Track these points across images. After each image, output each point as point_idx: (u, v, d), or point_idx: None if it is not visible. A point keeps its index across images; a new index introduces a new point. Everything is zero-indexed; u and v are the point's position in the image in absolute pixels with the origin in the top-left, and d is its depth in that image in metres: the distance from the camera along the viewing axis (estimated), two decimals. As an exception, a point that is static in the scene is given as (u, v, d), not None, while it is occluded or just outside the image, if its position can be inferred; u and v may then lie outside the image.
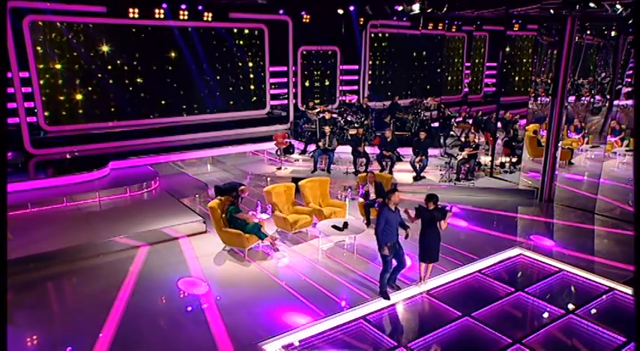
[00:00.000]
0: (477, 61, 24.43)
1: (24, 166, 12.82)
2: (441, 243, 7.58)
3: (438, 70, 22.92)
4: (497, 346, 6.21)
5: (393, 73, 21.64)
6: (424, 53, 22.32)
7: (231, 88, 17.67)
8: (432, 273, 7.85)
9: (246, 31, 17.54)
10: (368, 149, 13.72)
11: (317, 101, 19.29)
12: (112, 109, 15.37)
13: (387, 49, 21.16)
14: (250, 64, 17.92)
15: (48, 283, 8.00)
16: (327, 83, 19.95)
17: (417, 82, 22.24)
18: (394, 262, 7.40)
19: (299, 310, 7.08)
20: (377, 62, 21.02)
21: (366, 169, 12.96)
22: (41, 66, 13.84)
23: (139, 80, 15.70)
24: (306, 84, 19.38)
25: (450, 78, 23.65)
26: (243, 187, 9.75)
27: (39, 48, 13.71)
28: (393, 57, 21.42)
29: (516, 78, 24.58)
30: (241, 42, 17.53)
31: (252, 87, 18.14)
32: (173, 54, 16.12)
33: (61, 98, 14.39)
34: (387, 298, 7.23)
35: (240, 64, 17.67)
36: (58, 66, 14.17)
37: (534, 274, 8.29)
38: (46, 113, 14.14)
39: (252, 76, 18.04)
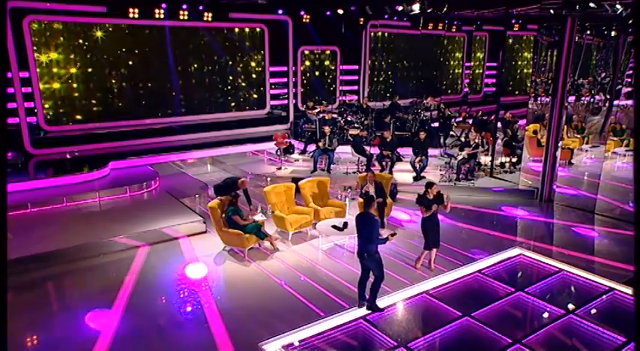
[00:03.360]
0: (477, 64, 24.46)
1: (24, 166, 12.81)
2: (442, 244, 7.71)
3: (435, 73, 22.93)
4: (497, 346, 6.20)
5: (393, 73, 21.68)
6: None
7: (231, 88, 17.67)
8: (433, 272, 7.92)
9: (247, 31, 17.54)
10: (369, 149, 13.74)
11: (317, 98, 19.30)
12: (112, 109, 15.36)
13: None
14: (253, 64, 17.93)
15: (48, 283, 8.00)
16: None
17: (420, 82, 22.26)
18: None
19: (299, 310, 7.08)
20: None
21: (367, 168, 12.95)
22: (41, 66, 13.86)
23: (139, 80, 15.70)
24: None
25: (451, 73, 23.68)
26: (242, 179, 9.75)
27: (39, 48, 13.72)
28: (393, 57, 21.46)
29: (516, 76, 24.59)
30: (241, 42, 17.52)
31: (252, 87, 18.15)
32: (173, 54, 16.10)
33: (61, 98, 14.41)
34: (381, 309, 6.96)
35: (240, 63, 17.66)
36: (58, 66, 14.18)
37: (534, 274, 8.29)
38: (46, 109, 14.14)
39: (252, 75, 18.04)
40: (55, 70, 14.14)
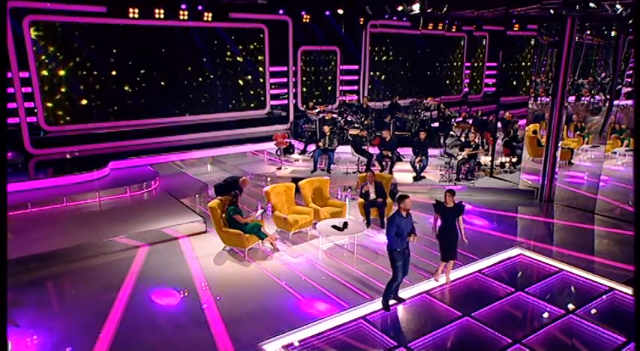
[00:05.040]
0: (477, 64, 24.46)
1: (24, 166, 12.81)
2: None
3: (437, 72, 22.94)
4: (497, 346, 6.21)
5: (393, 72, 21.69)
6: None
7: (231, 88, 17.67)
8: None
9: (246, 31, 17.54)
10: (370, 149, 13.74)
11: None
12: (112, 109, 15.36)
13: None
14: (252, 66, 17.93)
15: (48, 283, 8.00)
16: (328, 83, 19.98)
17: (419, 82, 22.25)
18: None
19: (299, 310, 7.08)
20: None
21: (367, 168, 12.95)
22: (42, 67, 13.85)
23: (139, 80, 15.70)
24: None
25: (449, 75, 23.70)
26: (244, 178, 9.74)
27: (39, 48, 13.72)
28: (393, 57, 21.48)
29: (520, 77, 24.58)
30: (241, 42, 17.52)
31: (251, 87, 18.15)
32: (173, 54, 16.09)
33: (61, 98, 14.40)
34: (388, 309, 7.02)
35: (240, 64, 17.66)
36: (59, 66, 14.18)
37: (534, 274, 8.29)
38: (45, 113, 14.15)
39: (251, 76, 18.04)
40: (54, 69, 14.15)
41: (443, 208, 7.57)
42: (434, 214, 7.75)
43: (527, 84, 24.24)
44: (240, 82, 17.82)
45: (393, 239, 6.88)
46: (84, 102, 14.78)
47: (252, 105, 18.22)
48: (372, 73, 20.89)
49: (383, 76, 21.40)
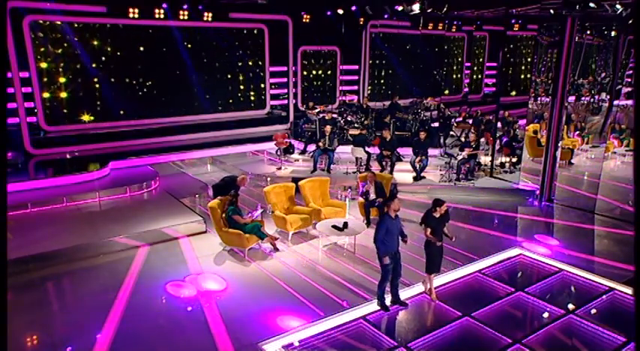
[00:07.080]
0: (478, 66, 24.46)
1: (24, 166, 12.82)
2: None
3: (436, 73, 22.91)
4: (497, 346, 6.21)
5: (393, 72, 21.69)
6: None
7: (230, 88, 17.66)
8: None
9: (246, 31, 17.54)
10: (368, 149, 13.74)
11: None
12: (113, 109, 15.35)
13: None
14: (250, 63, 17.91)
15: (48, 283, 8.00)
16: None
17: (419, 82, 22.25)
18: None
19: (299, 310, 7.08)
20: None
21: (367, 167, 12.96)
22: (42, 65, 13.87)
23: (139, 80, 15.70)
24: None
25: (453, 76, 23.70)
26: (242, 176, 9.72)
27: (39, 48, 13.72)
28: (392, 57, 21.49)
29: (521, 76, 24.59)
30: (241, 42, 17.51)
31: (251, 87, 18.14)
32: (173, 54, 16.10)
33: (62, 98, 14.40)
34: (387, 309, 7.01)
35: (240, 63, 17.65)
36: (58, 66, 14.18)
37: (534, 274, 8.29)
38: (45, 113, 14.17)
39: (252, 75, 18.03)
40: (54, 70, 14.15)
41: (432, 218, 7.13)
42: (424, 228, 7.21)
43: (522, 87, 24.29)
44: (241, 85, 17.82)
45: (381, 241, 6.80)
46: (83, 102, 14.77)
47: (252, 105, 18.24)
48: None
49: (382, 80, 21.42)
